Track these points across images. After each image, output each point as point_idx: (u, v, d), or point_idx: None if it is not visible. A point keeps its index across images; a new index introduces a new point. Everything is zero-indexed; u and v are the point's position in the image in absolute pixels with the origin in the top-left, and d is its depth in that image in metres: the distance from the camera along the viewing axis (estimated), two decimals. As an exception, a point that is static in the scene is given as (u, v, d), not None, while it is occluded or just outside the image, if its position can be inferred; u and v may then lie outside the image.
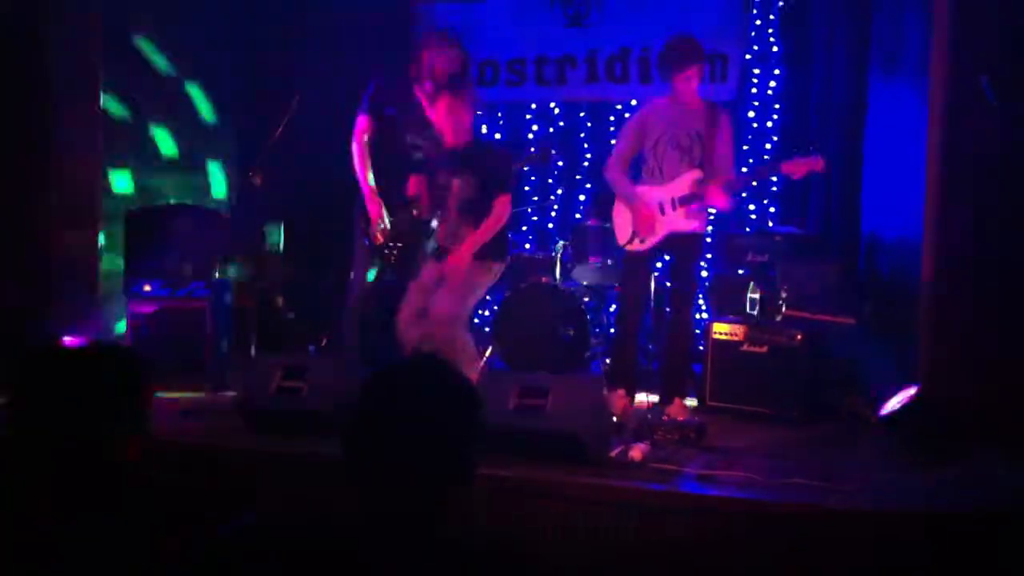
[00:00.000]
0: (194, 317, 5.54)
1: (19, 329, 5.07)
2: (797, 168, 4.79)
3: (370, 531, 1.52)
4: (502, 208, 4.70)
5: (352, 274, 5.28)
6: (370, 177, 5.05)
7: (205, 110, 6.69)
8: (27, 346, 4.63)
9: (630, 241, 5.00)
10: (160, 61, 6.35)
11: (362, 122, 5.10)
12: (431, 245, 4.99)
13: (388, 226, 5.01)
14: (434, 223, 4.88)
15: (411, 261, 5.05)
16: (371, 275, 5.25)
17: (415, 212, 4.93)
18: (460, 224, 4.73)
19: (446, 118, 4.66)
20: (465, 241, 4.63)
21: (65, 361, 1.93)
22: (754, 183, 6.47)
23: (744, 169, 5.96)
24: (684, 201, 4.88)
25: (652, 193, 4.95)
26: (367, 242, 5.11)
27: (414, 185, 4.98)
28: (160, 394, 4.79)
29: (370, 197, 5.04)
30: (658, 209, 4.92)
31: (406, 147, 5.14)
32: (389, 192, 5.05)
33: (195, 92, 6.64)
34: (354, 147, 5.09)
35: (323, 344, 5.86)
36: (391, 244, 5.03)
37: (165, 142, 6.45)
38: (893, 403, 4.17)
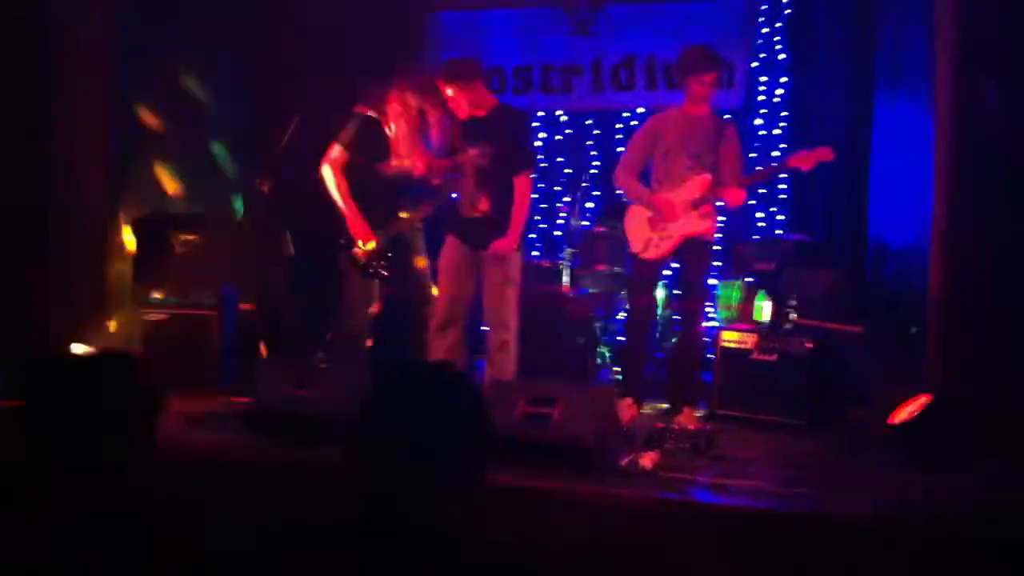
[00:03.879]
0: (203, 325, 5.56)
1: (23, 336, 5.07)
2: (806, 160, 4.78)
3: (368, 539, 1.52)
4: (524, 188, 4.77)
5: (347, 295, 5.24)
6: (348, 200, 4.98)
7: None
8: (32, 354, 4.66)
9: (645, 249, 4.99)
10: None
11: (338, 153, 4.99)
12: (422, 243, 5.06)
13: (372, 245, 4.96)
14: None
15: (404, 272, 5.05)
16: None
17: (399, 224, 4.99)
18: (476, 195, 4.78)
19: (457, 99, 4.78)
20: (498, 221, 4.74)
21: (71, 370, 1.93)
22: (762, 189, 6.50)
23: (758, 168, 5.96)
24: (697, 204, 4.89)
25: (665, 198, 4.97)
26: (352, 262, 5.04)
27: (423, 165, 4.98)
28: (168, 403, 4.78)
29: (352, 218, 4.96)
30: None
31: (384, 172, 5.06)
32: (370, 212, 4.99)
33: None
34: (326, 172, 4.99)
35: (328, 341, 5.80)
36: (375, 263, 4.99)
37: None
38: (903, 413, 4.15)
